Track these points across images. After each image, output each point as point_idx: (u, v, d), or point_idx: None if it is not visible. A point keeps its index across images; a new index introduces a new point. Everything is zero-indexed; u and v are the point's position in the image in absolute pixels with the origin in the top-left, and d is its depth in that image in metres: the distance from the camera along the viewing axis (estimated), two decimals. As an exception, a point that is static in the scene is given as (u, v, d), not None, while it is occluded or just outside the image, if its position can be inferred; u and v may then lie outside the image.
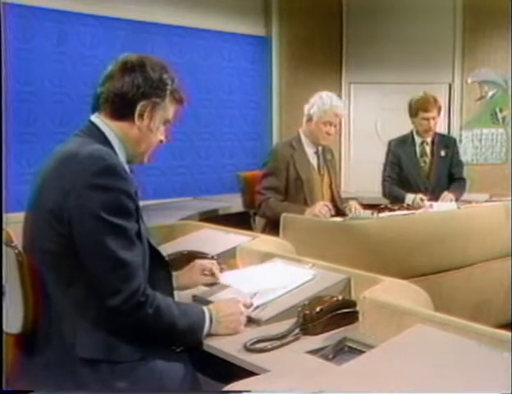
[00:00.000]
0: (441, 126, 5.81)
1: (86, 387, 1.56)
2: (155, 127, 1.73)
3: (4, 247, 1.65)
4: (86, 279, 1.58)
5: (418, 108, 4.08)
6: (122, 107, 1.69)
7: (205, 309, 1.73)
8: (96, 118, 1.73)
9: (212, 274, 2.03)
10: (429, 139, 4.16)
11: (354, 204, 3.59)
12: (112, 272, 1.56)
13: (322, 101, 3.54)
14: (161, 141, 1.78)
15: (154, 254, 1.74)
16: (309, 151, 3.62)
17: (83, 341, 1.58)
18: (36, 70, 4.64)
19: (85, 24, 4.90)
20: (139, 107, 1.69)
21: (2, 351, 1.64)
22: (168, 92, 1.73)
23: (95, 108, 1.74)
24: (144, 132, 1.72)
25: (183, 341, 1.70)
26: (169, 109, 1.75)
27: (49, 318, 1.61)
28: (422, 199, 3.87)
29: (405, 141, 4.20)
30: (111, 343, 1.59)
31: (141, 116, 1.70)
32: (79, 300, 1.59)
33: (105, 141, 1.69)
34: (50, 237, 1.58)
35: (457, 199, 3.93)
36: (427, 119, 4.06)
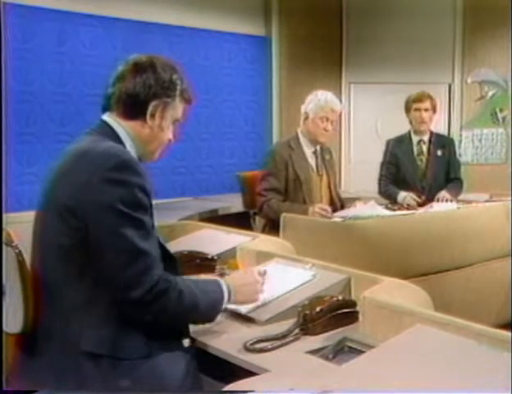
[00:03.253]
0: (441, 126, 5.84)
1: (88, 381, 1.56)
2: (166, 126, 1.78)
3: (4, 247, 1.65)
4: (99, 273, 1.58)
5: (411, 102, 4.16)
6: (134, 107, 1.73)
7: (221, 282, 1.78)
8: (108, 117, 1.76)
9: None
10: (426, 138, 4.21)
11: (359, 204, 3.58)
12: (133, 263, 1.56)
13: (317, 98, 3.57)
14: (169, 140, 1.82)
15: (161, 251, 1.75)
16: (308, 151, 3.62)
17: (88, 336, 1.58)
18: (36, 70, 4.65)
19: (85, 24, 4.90)
20: (150, 107, 1.73)
21: (2, 351, 1.65)
22: (178, 92, 1.77)
23: (106, 108, 1.77)
24: (156, 131, 1.76)
25: (204, 319, 1.74)
26: (178, 109, 1.80)
27: (52, 316, 1.61)
28: (414, 199, 3.91)
29: (403, 140, 4.25)
30: (116, 338, 1.59)
31: (153, 115, 1.74)
32: (88, 294, 1.59)
33: (117, 139, 1.72)
34: (63, 232, 1.59)
35: (452, 200, 3.94)
36: (419, 109, 4.12)
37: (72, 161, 1.65)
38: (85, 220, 1.56)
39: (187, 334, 1.72)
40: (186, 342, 1.70)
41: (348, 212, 3.39)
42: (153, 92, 1.72)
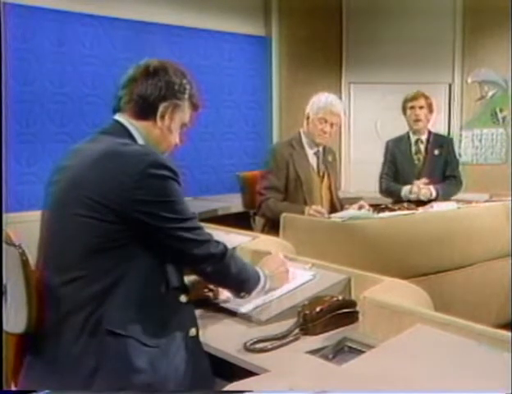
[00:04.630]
0: (441, 126, 5.84)
1: (107, 359, 1.57)
2: (174, 129, 1.84)
3: (7, 247, 1.65)
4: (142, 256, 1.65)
5: (406, 101, 4.23)
6: (145, 108, 1.79)
7: (259, 270, 1.96)
8: (120, 117, 1.80)
9: (211, 290, 2.09)
10: (424, 138, 4.27)
11: (363, 204, 3.57)
12: (194, 228, 1.73)
13: (318, 99, 3.60)
14: (176, 144, 1.87)
15: None
16: (309, 151, 3.63)
17: (114, 316, 1.60)
18: (36, 70, 4.63)
19: (85, 24, 4.89)
20: (161, 108, 1.79)
21: (1, 351, 1.65)
22: (187, 96, 1.85)
23: (116, 110, 1.82)
24: (165, 132, 1.82)
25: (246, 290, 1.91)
26: (187, 113, 1.87)
27: (60, 312, 1.62)
28: (419, 186, 4.00)
29: (401, 140, 4.32)
30: (139, 320, 1.62)
31: (163, 116, 1.80)
32: (116, 279, 1.62)
33: (131, 138, 1.77)
34: (91, 226, 1.62)
35: (442, 197, 3.97)
36: (414, 107, 4.18)
37: (98, 160, 1.67)
38: (126, 214, 1.61)
39: (194, 323, 1.75)
40: (193, 332, 1.73)
41: (343, 213, 3.39)
42: (163, 94, 1.78)
